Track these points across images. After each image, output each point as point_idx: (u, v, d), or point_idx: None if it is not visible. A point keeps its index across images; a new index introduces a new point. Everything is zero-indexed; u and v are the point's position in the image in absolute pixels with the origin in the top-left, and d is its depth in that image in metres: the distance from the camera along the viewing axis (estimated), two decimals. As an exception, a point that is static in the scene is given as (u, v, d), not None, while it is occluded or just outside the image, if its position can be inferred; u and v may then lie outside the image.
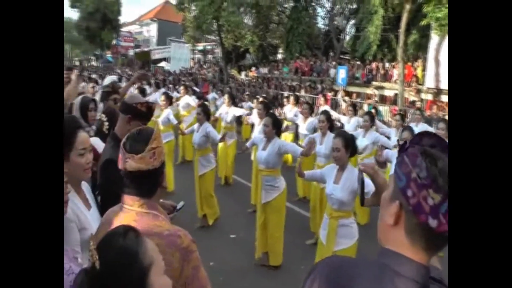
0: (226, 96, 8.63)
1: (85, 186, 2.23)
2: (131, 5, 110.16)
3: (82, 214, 2.00)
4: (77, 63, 51.35)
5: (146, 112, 2.54)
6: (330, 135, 5.58)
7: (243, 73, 25.51)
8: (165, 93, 8.11)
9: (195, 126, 6.00)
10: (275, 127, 4.70)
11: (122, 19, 46.23)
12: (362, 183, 1.55)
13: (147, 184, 1.62)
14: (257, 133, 6.18)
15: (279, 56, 28.37)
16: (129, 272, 1.10)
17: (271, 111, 6.54)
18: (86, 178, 2.16)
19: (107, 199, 2.27)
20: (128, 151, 1.58)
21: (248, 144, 5.25)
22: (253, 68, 24.65)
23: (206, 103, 7.65)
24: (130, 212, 1.59)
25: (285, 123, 8.19)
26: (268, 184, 4.62)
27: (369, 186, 1.93)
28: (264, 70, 23.34)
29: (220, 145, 7.96)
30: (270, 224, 4.66)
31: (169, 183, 7.17)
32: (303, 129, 7.48)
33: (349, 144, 3.72)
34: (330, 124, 5.88)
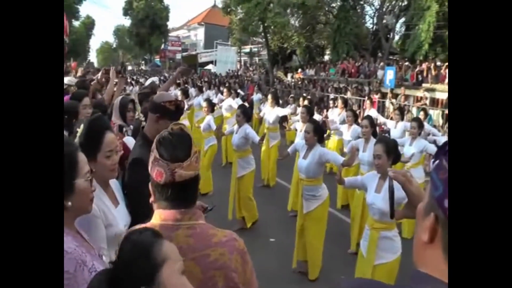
0: (269, 96, 8.57)
1: (114, 183, 2.22)
2: (179, 10, 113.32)
3: (108, 211, 2.00)
4: (129, 67, 53.40)
5: (174, 110, 2.49)
6: (373, 141, 5.31)
7: (289, 75, 25.33)
8: (207, 100, 8.22)
9: (235, 127, 5.94)
10: (317, 134, 4.49)
11: (171, 24, 47.88)
12: (391, 192, 1.41)
13: (194, 190, 1.51)
14: (299, 139, 6.03)
15: (326, 58, 27.92)
16: (140, 266, 1.12)
17: (314, 116, 6.39)
18: (112, 178, 2.15)
19: (133, 198, 2.25)
20: (172, 161, 1.43)
21: (289, 149, 5.08)
22: (299, 70, 24.41)
23: (246, 105, 7.61)
24: (181, 230, 1.45)
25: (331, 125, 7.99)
26: (309, 194, 4.46)
27: (401, 196, 1.71)
28: (310, 72, 23.03)
29: (263, 146, 7.93)
30: (310, 234, 4.49)
31: (208, 186, 7.24)
32: (347, 136, 7.16)
33: (390, 150, 3.52)
34: (374, 130, 5.52)
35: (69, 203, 1.53)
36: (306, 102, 9.47)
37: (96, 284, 1.13)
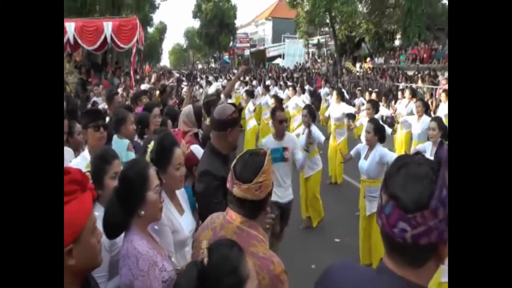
0: (334, 93, 8.47)
1: (180, 193, 2.47)
2: (247, 7, 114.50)
3: (174, 219, 2.25)
4: (199, 66, 55.28)
5: (239, 117, 2.62)
6: (443, 147, 4.88)
7: (357, 64, 24.69)
8: (275, 96, 8.40)
9: (301, 128, 5.93)
10: (378, 133, 4.37)
11: (238, 21, 48.87)
12: None
13: (250, 209, 1.69)
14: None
15: (397, 43, 26.75)
16: (228, 280, 1.20)
17: (382, 110, 6.17)
18: (180, 188, 2.40)
19: (202, 205, 2.52)
20: (236, 177, 1.64)
21: (352, 152, 4.95)
22: (368, 59, 23.70)
23: (311, 106, 7.59)
24: (232, 224, 1.70)
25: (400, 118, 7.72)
26: (372, 195, 4.34)
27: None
28: (379, 60, 22.23)
29: (330, 142, 7.88)
30: (374, 235, 4.38)
31: None
32: (416, 129, 6.76)
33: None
34: (443, 133, 4.64)
35: (142, 212, 1.81)
36: (373, 96, 9.23)
37: (186, 278, 1.26)
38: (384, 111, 7.96)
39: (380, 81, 17.06)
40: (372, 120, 4.62)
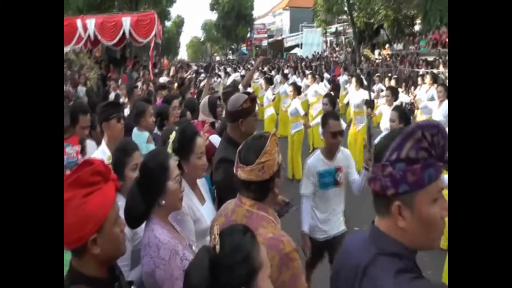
0: (353, 80, 8.40)
1: (201, 182, 2.50)
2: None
3: (196, 208, 2.28)
4: (217, 58, 55.35)
5: (252, 105, 2.62)
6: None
7: (376, 51, 24.30)
8: (293, 84, 8.29)
9: (320, 118, 5.89)
10: (403, 120, 4.14)
11: (256, 13, 48.68)
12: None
13: (257, 191, 1.72)
14: (384, 123, 5.83)
15: (416, 28, 26.16)
16: (240, 267, 1.18)
17: (401, 97, 6.05)
18: (202, 177, 2.44)
19: (221, 192, 2.54)
20: (240, 161, 1.69)
21: (376, 141, 4.88)
22: (387, 45, 23.28)
23: (332, 93, 7.54)
24: (242, 208, 1.74)
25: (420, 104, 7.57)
26: None
27: None
28: (398, 47, 21.82)
29: (350, 129, 7.80)
30: None
31: (297, 172, 7.35)
32: (437, 115, 6.54)
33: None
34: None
35: (163, 202, 1.84)
36: (392, 83, 9.08)
37: (198, 267, 1.21)
38: (403, 97, 7.78)
39: (399, 67, 16.73)
40: (396, 108, 4.48)
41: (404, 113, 4.37)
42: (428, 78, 8.15)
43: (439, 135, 1.00)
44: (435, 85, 7.85)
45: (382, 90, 9.56)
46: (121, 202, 2.04)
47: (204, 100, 4.08)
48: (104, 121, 3.12)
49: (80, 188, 1.28)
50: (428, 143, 0.99)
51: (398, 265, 1.03)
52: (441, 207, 1.02)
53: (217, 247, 1.19)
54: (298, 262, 1.62)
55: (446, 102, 6.40)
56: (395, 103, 6.08)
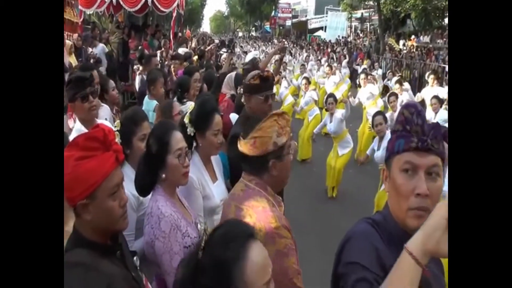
0: (362, 76, 8.35)
1: (215, 160, 2.46)
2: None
3: (206, 185, 2.25)
4: (240, 34, 54.87)
5: (259, 83, 2.56)
6: None
7: (401, 42, 23.73)
8: (305, 78, 8.77)
9: (327, 119, 6.11)
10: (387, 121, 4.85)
11: (282, -9, 47.67)
12: None
13: (252, 165, 1.73)
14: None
15: (446, 21, 25.39)
16: (230, 269, 1.08)
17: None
18: (216, 154, 2.41)
19: (234, 168, 2.44)
20: (241, 133, 1.74)
21: (368, 152, 5.20)
22: (413, 37, 22.69)
23: (334, 94, 7.72)
24: (242, 182, 1.76)
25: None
26: None
27: None
28: (425, 39, 21.23)
29: (364, 121, 7.94)
30: None
31: (307, 152, 7.72)
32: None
33: None
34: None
35: (163, 175, 1.82)
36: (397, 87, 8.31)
37: (190, 257, 1.15)
38: (405, 97, 7.45)
39: (425, 61, 16.23)
40: (379, 113, 4.92)
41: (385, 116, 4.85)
42: (431, 78, 7.70)
43: (415, 113, 1.15)
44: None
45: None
46: (129, 171, 2.03)
47: (231, 74, 4.26)
48: (69, 102, 2.74)
49: (76, 151, 1.25)
50: (405, 118, 1.16)
51: (368, 229, 1.19)
52: (412, 180, 1.12)
53: (200, 253, 1.11)
54: (286, 240, 1.57)
55: (440, 111, 6.30)
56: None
